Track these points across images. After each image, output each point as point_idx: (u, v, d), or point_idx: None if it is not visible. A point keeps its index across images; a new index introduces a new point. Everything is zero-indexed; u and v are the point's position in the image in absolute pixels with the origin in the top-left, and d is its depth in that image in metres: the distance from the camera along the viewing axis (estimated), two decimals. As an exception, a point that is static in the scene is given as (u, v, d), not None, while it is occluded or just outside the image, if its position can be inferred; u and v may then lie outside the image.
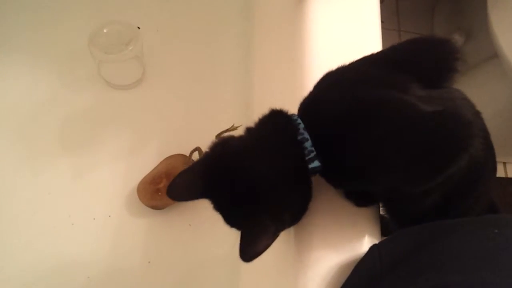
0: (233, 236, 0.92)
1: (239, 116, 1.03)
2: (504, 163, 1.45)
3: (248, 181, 0.55)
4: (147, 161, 0.99)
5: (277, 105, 0.63)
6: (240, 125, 0.95)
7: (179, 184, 0.62)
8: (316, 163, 0.56)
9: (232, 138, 0.59)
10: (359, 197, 0.64)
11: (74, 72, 1.11)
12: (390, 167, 0.53)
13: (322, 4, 0.87)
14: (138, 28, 1.05)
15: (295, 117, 0.58)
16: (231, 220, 0.59)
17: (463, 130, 0.51)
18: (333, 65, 0.61)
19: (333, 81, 0.59)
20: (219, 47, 1.16)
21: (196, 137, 0.98)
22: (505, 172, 1.44)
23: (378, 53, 0.60)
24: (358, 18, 0.85)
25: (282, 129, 0.57)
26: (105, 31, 1.03)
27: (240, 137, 0.59)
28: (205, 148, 0.92)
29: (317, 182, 0.66)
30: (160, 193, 0.92)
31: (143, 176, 0.96)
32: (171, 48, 1.16)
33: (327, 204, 0.65)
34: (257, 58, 1.07)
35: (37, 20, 1.17)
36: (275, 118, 0.59)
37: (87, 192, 0.98)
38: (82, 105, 1.08)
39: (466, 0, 1.51)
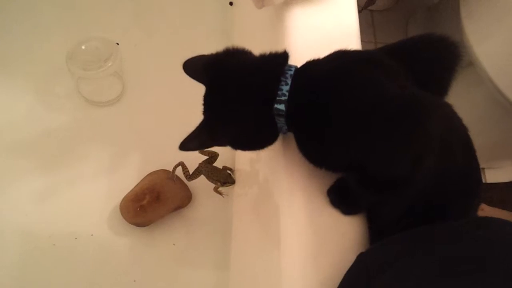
0: (217, 256, 0.93)
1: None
2: (483, 169, 1.47)
3: (222, 89, 0.63)
4: (129, 178, 0.97)
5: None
6: (223, 139, 0.95)
7: (193, 62, 0.73)
8: (281, 106, 0.59)
9: (240, 51, 0.66)
10: (346, 204, 0.64)
11: (52, 90, 1.09)
12: (347, 132, 0.56)
13: (302, 16, 0.88)
14: (117, 44, 1.04)
15: (291, 65, 0.61)
16: (203, 111, 0.67)
17: (421, 108, 0.52)
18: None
19: (336, 53, 0.62)
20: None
21: (179, 152, 0.97)
22: (484, 178, 1.47)
23: (388, 45, 0.63)
24: (338, 28, 0.87)
25: (275, 66, 0.61)
26: (83, 47, 1.02)
27: (246, 53, 0.65)
28: (188, 162, 0.94)
29: (305, 190, 0.67)
30: (143, 210, 0.91)
31: (125, 193, 0.94)
32: (150, 63, 1.15)
33: (316, 214, 0.65)
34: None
35: (13, 37, 1.15)
36: (279, 56, 0.63)
37: (68, 211, 0.95)
38: (61, 123, 1.06)
39: (439, 10, 1.55)
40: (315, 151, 0.62)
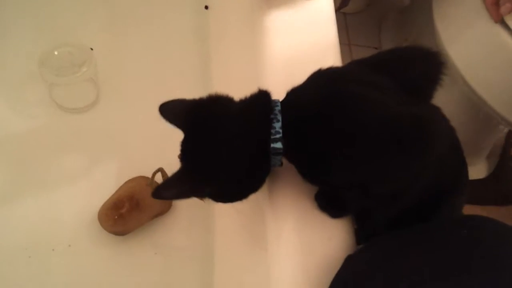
0: (201, 262, 0.91)
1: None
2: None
3: (209, 135, 0.59)
4: (106, 186, 0.94)
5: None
6: (203, 144, 0.94)
7: (172, 106, 0.67)
8: (278, 144, 0.57)
9: (223, 97, 0.62)
10: (334, 208, 0.64)
11: (24, 96, 1.06)
12: (353, 158, 0.55)
13: (279, 19, 0.88)
14: (91, 49, 1.02)
15: (276, 100, 0.59)
16: (181, 155, 0.63)
17: (430, 132, 0.53)
18: (291, 78, 0.62)
19: (317, 75, 0.60)
20: (175, 66, 1.14)
21: (157, 158, 0.95)
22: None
23: (365, 58, 0.62)
24: (316, 30, 0.87)
25: (260, 106, 0.59)
26: (56, 53, 0.99)
27: (228, 100, 0.62)
28: (167, 168, 0.92)
29: (291, 194, 0.66)
30: (123, 218, 0.88)
31: (103, 201, 0.92)
32: (124, 69, 1.12)
33: (302, 218, 0.65)
34: (215, 75, 1.07)
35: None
36: (259, 96, 0.60)
37: (44, 222, 0.92)
38: (33, 130, 1.03)
39: (412, 12, 1.57)
40: (318, 177, 0.61)
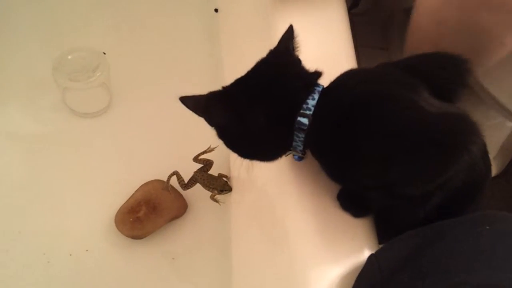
0: (218, 264, 0.91)
1: (215, 137, 1.01)
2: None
3: (256, 78, 0.61)
4: (122, 190, 0.95)
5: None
6: (217, 146, 0.94)
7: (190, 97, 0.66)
8: (304, 120, 0.57)
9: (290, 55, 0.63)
10: (357, 207, 0.64)
11: (37, 101, 1.06)
12: (387, 159, 0.55)
13: (289, 21, 0.88)
14: (104, 53, 1.02)
15: (319, 84, 0.60)
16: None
17: (466, 132, 0.53)
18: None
19: (351, 74, 0.62)
20: (187, 69, 1.15)
21: (172, 161, 0.96)
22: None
23: (394, 61, 0.63)
24: (328, 33, 0.87)
25: (309, 79, 0.60)
26: (69, 57, 1.00)
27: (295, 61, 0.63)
28: (182, 172, 0.92)
29: (313, 196, 0.66)
30: (140, 222, 0.89)
31: (119, 205, 0.92)
32: (137, 73, 1.13)
33: (324, 218, 0.65)
34: (227, 78, 1.07)
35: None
36: (314, 73, 0.61)
37: (61, 227, 0.93)
38: (48, 135, 1.04)
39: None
40: (345, 175, 0.61)
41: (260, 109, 0.58)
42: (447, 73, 0.62)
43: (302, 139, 0.59)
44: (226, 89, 0.62)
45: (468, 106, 1.30)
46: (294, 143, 0.60)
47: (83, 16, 1.20)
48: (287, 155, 0.68)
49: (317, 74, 0.60)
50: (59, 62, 0.99)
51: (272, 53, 0.63)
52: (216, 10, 1.20)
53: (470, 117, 0.55)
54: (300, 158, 0.66)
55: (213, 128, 0.65)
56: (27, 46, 1.14)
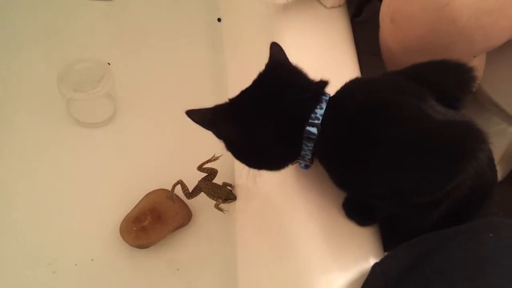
0: (223, 273, 0.91)
1: (219, 145, 1.01)
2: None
3: (262, 89, 0.61)
4: (126, 199, 0.95)
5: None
6: (221, 155, 0.94)
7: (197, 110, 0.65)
8: (313, 129, 0.57)
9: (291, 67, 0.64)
10: (362, 216, 0.64)
11: (42, 112, 1.07)
12: (395, 167, 0.55)
13: (292, 31, 0.89)
14: (109, 64, 1.03)
15: (326, 93, 0.60)
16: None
17: (474, 139, 0.53)
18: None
19: (357, 83, 0.62)
20: (190, 78, 1.15)
21: (176, 170, 0.96)
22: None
23: (400, 70, 0.63)
24: (331, 42, 0.88)
25: (316, 89, 0.60)
26: (74, 68, 1.00)
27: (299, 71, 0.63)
28: (187, 181, 0.93)
29: (318, 204, 0.67)
30: (145, 231, 0.89)
31: (124, 215, 0.93)
32: (141, 83, 1.14)
33: (329, 226, 0.65)
34: (231, 86, 1.08)
35: (2, 57, 1.14)
36: (321, 82, 0.61)
37: (66, 237, 0.93)
38: (52, 145, 1.04)
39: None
40: (353, 183, 0.61)
41: (269, 121, 0.59)
42: (453, 81, 0.62)
43: (310, 148, 0.59)
44: (232, 102, 0.62)
45: (471, 113, 1.30)
46: (302, 152, 0.60)
47: (88, 27, 1.22)
48: (294, 163, 0.68)
49: (324, 83, 0.61)
50: (64, 72, 0.99)
51: (272, 65, 0.64)
52: (219, 20, 1.21)
53: (477, 125, 0.55)
54: (306, 166, 0.66)
55: (221, 140, 0.65)
56: (32, 56, 1.16)
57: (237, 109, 0.61)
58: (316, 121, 0.57)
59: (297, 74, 0.62)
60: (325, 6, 0.90)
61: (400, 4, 0.74)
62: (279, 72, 0.62)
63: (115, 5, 1.27)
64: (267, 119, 0.59)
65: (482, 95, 1.11)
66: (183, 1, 1.29)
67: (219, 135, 0.65)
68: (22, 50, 1.17)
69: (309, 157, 0.61)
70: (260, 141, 0.61)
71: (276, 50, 0.65)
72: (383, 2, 0.79)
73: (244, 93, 0.62)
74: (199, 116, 0.64)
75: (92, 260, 0.91)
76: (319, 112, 0.57)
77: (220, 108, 0.62)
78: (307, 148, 0.59)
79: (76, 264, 0.90)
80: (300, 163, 0.66)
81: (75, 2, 1.27)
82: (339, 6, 0.92)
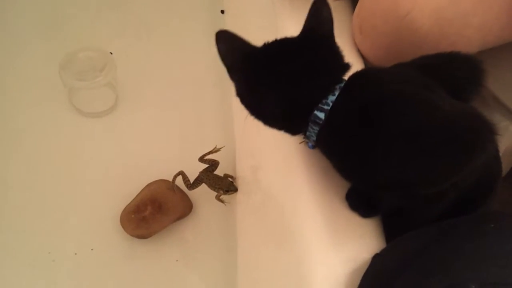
0: (223, 264, 0.91)
1: (220, 137, 1.02)
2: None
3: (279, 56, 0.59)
4: (127, 189, 0.95)
5: (258, 122, 0.65)
6: (223, 146, 0.94)
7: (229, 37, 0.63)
8: (321, 115, 0.57)
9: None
10: (365, 207, 0.64)
11: (43, 101, 1.07)
12: (403, 156, 0.54)
13: (295, 24, 0.88)
14: (111, 53, 1.03)
15: (343, 80, 0.59)
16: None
17: (483, 130, 0.53)
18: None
19: (366, 73, 0.61)
20: (194, 69, 1.15)
21: (177, 161, 0.96)
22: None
23: (409, 61, 0.63)
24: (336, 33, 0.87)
25: (335, 73, 0.59)
26: (76, 57, 1.00)
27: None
28: (188, 172, 0.93)
29: (321, 196, 0.66)
30: (146, 221, 0.89)
31: (124, 205, 0.92)
32: (143, 73, 1.13)
33: (333, 217, 0.65)
34: (233, 78, 1.07)
35: (3, 47, 1.13)
36: (342, 65, 0.60)
37: (66, 226, 0.92)
38: (53, 135, 1.04)
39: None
40: (354, 168, 0.60)
41: (281, 98, 0.58)
42: (463, 73, 0.62)
43: (316, 131, 0.59)
44: (260, 54, 0.61)
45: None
46: (308, 133, 0.60)
47: (91, 16, 1.21)
48: (301, 142, 0.68)
49: (345, 68, 0.60)
50: (66, 61, 0.99)
51: (308, 31, 0.61)
52: (222, 12, 1.20)
53: (486, 116, 0.55)
54: (313, 147, 0.66)
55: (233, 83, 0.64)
56: (34, 45, 1.15)
57: (257, 69, 0.60)
58: (326, 107, 0.57)
59: (325, 50, 0.60)
60: (329, -1, 0.89)
61: (365, 15, 0.76)
62: (310, 44, 0.60)
63: (118, -5, 1.27)
64: (280, 94, 0.58)
65: (484, 91, 1.10)
66: (186, -8, 1.29)
67: (232, 78, 0.64)
68: (24, 39, 1.17)
69: (314, 138, 0.60)
70: (269, 111, 0.61)
71: (319, 10, 0.62)
72: (354, 12, 0.80)
73: (270, 52, 0.60)
74: (225, 47, 0.62)
75: (92, 249, 0.90)
76: (331, 98, 0.57)
77: (247, 56, 0.61)
78: (313, 131, 0.59)
79: (75, 253, 0.90)
80: (307, 143, 0.65)
81: (78, -8, 1.27)
82: (342, -1, 0.91)
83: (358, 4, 0.78)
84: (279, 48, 0.61)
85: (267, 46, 0.61)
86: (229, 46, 0.62)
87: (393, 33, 0.71)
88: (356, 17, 0.78)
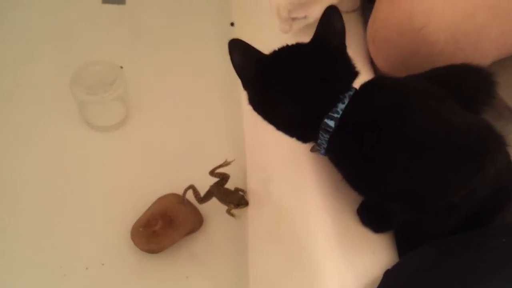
0: (234, 279, 0.90)
1: (231, 150, 1.01)
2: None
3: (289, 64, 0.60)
4: (138, 203, 0.94)
5: (268, 135, 0.66)
6: (234, 160, 0.93)
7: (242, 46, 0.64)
8: (331, 122, 0.57)
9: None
10: (377, 222, 0.63)
11: (54, 115, 1.08)
12: (414, 167, 0.54)
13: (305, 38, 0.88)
14: (121, 67, 1.03)
15: (352, 88, 0.59)
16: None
17: (492, 142, 0.53)
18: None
19: (379, 82, 0.62)
20: (204, 82, 1.15)
21: (188, 175, 0.96)
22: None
23: (421, 73, 0.63)
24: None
25: (344, 80, 0.59)
26: (87, 71, 1.00)
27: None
28: (198, 185, 0.92)
29: (332, 210, 0.66)
30: (156, 236, 0.88)
31: (135, 219, 0.92)
32: (153, 86, 1.14)
33: (345, 233, 0.64)
34: (243, 93, 1.07)
35: (16, 60, 1.15)
36: (351, 73, 0.61)
37: (78, 240, 0.93)
38: (64, 149, 1.05)
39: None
40: (364, 178, 0.60)
41: (292, 106, 0.59)
42: (474, 85, 0.62)
43: (327, 138, 0.59)
44: (272, 62, 0.61)
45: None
46: (319, 141, 0.60)
47: (101, 30, 1.22)
48: (313, 151, 0.68)
49: (354, 75, 0.60)
50: (76, 75, 1.00)
51: (319, 39, 0.62)
52: (232, 24, 1.20)
53: (495, 128, 0.55)
54: (325, 153, 0.66)
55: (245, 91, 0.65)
56: (45, 60, 1.16)
57: (266, 74, 0.61)
58: (336, 115, 0.57)
59: (335, 58, 0.61)
60: (341, 11, 0.89)
61: (379, 26, 0.75)
62: (320, 52, 0.60)
63: (128, 9, 1.27)
64: (291, 103, 0.59)
65: (497, 101, 1.09)
66: (196, 5, 1.29)
67: (245, 87, 0.65)
68: (35, 53, 1.18)
69: (325, 146, 0.60)
70: (281, 119, 0.62)
71: (330, 18, 0.62)
72: (368, 23, 0.79)
73: (282, 58, 0.61)
74: (240, 59, 0.63)
75: (103, 264, 0.90)
76: (341, 106, 0.57)
77: (262, 65, 0.61)
78: (324, 138, 0.59)
79: (87, 268, 0.90)
80: (319, 150, 0.65)
81: (88, 6, 1.28)
82: (353, 10, 0.91)
83: (372, 15, 0.78)
84: (290, 56, 0.61)
85: (278, 53, 0.62)
86: (242, 54, 0.63)
87: (407, 45, 0.70)
88: (370, 28, 0.78)
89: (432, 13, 0.68)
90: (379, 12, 0.75)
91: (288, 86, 0.59)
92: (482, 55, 0.71)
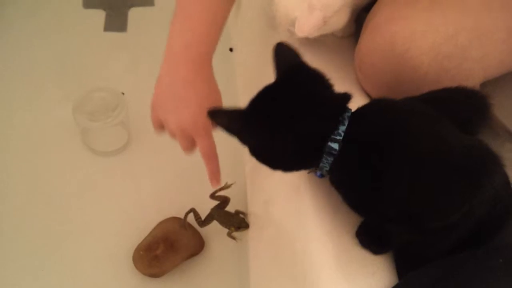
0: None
1: (231, 174, 1.02)
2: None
3: (288, 101, 0.59)
4: (139, 227, 0.96)
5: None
6: (234, 182, 0.94)
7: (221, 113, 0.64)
8: (335, 145, 0.57)
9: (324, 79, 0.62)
10: (377, 244, 0.64)
11: (56, 141, 1.10)
12: (413, 188, 0.55)
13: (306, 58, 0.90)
14: (123, 93, 1.05)
15: (348, 108, 0.59)
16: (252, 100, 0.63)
17: (488, 162, 0.54)
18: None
19: (377, 104, 0.62)
20: (203, 107, 1.16)
21: (189, 198, 0.97)
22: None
23: (417, 95, 0.64)
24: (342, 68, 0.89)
25: (342, 103, 0.59)
26: (89, 98, 1.02)
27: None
28: (199, 209, 0.93)
29: (333, 232, 0.66)
30: (158, 260, 0.89)
31: (137, 243, 0.93)
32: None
33: (345, 254, 0.64)
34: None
35: (19, 87, 1.17)
36: (345, 95, 0.60)
37: (79, 265, 0.93)
38: (66, 174, 1.06)
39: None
40: (364, 199, 0.60)
41: (290, 137, 0.59)
42: (468, 107, 0.63)
43: (330, 161, 0.59)
44: (257, 109, 0.61)
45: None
46: (321, 165, 0.60)
47: (103, 57, 1.25)
48: (310, 172, 0.69)
49: (347, 98, 0.60)
50: (79, 102, 1.02)
51: (292, 69, 0.62)
52: (231, 50, 1.22)
53: (492, 149, 0.56)
54: (322, 175, 0.66)
55: (245, 146, 0.64)
56: (48, 86, 1.19)
57: (257, 120, 0.60)
58: (338, 137, 0.57)
59: (318, 82, 0.61)
60: (336, 36, 0.91)
61: (363, 54, 0.77)
62: (301, 79, 0.61)
63: (129, 36, 1.31)
64: (288, 134, 0.58)
65: (494, 121, 1.10)
66: (195, 31, 1.31)
67: (244, 141, 0.64)
68: (38, 80, 1.20)
69: (327, 168, 0.60)
70: (283, 151, 0.60)
71: (284, 52, 0.63)
72: (355, 49, 0.81)
73: (264, 102, 0.61)
74: (226, 119, 0.63)
75: (105, 288, 0.91)
76: (342, 128, 0.57)
77: (249, 116, 0.61)
78: (327, 162, 0.59)
79: (89, 293, 0.90)
80: (316, 172, 0.65)
81: (89, 33, 1.31)
82: (349, 36, 0.93)
83: (358, 43, 0.80)
84: (271, 98, 0.61)
85: (256, 101, 0.61)
86: (230, 116, 0.62)
87: (392, 71, 0.72)
88: (356, 56, 0.80)
89: (413, 37, 0.69)
90: (363, 39, 0.77)
91: (284, 124, 0.58)
92: (468, 76, 0.72)
